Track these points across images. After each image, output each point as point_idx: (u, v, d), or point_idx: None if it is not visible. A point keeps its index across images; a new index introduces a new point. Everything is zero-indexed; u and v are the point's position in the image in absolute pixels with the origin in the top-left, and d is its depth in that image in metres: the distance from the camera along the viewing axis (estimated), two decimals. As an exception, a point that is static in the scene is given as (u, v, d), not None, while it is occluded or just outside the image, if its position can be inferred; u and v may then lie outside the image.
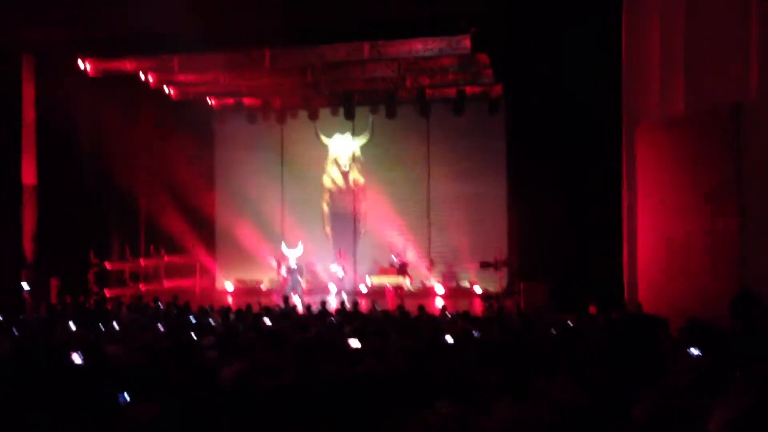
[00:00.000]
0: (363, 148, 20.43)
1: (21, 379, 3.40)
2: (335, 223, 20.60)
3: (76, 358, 4.76)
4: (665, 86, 10.32)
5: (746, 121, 8.45)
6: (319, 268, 20.05)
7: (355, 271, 19.88)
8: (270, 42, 15.08)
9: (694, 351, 3.58)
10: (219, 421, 2.67)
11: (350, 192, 20.47)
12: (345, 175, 20.52)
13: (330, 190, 20.69)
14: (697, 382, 2.86)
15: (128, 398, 4.36)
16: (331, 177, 20.68)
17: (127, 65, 16.36)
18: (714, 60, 9.13)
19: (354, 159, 20.46)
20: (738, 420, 1.53)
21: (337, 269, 18.95)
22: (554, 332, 7.43)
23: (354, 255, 20.04)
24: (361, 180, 20.46)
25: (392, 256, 18.56)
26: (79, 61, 15.76)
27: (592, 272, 12.90)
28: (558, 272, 13.74)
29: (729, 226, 8.82)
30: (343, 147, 20.50)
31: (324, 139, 20.51)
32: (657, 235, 10.65)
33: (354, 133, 20.24)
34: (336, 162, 20.60)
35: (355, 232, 20.38)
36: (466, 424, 2.22)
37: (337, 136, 20.49)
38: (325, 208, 20.67)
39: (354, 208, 20.40)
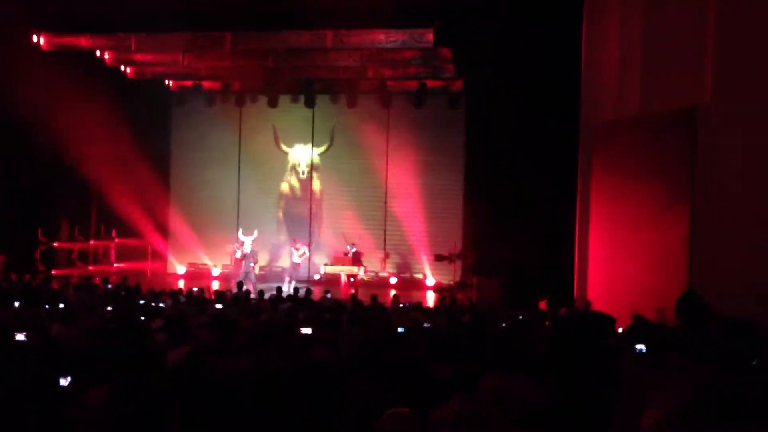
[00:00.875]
0: (321, 155, 20.42)
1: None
2: (289, 211, 20.54)
3: (20, 338, 4.65)
4: (622, 87, 10.48)
5: (700, 123, 8.63)
6: (273, 255, 19.99)
7: (309, 259, 19.82)
8: (232, 25, 14.88)
9: (640, 347, 3.66)
10: (166, 404, 2.63)
11: (307, 200, 20.45)
12: (303, 182, 20.49)
13: (286, 197, 20.62)
14: (642, 378, 2.93)
15: (69, 381, 4.29)
16: (289, 184, 20.62)
17: (83, 41, 15.95)
18: (670, 62, 9.30)
19: (313, 167, 20.41)
20: (669, 419, 1.57)
21: (294, 256, 18.91)
22: (504, 326, 7.52)
23: (309, 243, 19.98)
24: (319, 187, 20.46)
25: (347, 245, 18.53)
26: (33, 35, 15.30)
27: (544, 269, 13.11)
28: (510, 268, 13.93)
29: (679, 227, 9.02)
30: (302, 155, 20.45)
31: (284, 147, 20.42)
32: (608, 234, 10.84)
33: (314, 144, 20.23)
34: (294, 169, 20.54)
35: (311, 220, 20.32)
36: (416, 419, 2.24)
37: (298, 147, 20.41)
38: (281, 215, 20.61)
39: (309, 200, 20.37)
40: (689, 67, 8.93)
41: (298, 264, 19.13)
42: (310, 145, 20.34)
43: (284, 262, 19.98)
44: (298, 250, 19.04)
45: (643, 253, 9.79)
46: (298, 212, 20.53)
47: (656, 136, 9.68)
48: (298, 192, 20.59)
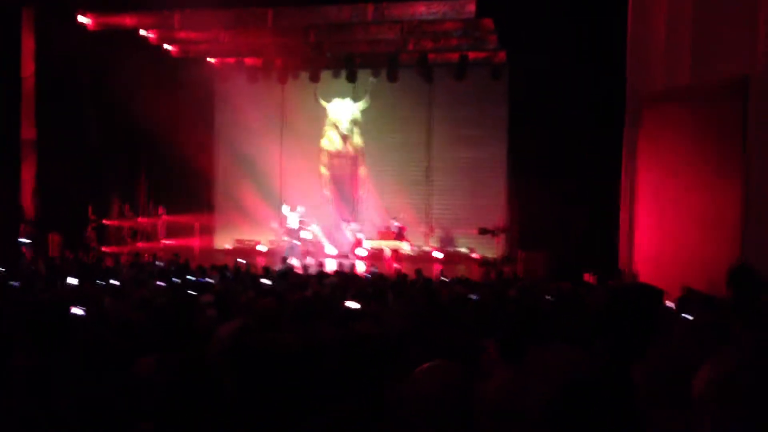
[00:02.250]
0: (363, 112, 20.28)
1: (24, 331, 3.43)
2: (335, 186, 20.55)
3: (78, 311, 4.79)
4: (671, 57, 10.22)
5: (753, 93, 8.38)
6: (322, 230, 20.08)
7: (354, 234, 19.91)
8: (273, 1, 14.90)
9: (689, 317, 3.60)
10: (214, 377, 2.68)
11: (349, 156, 20.37)
12: (345, 138, 20.40)
13: (329, 153, 20.58)
14: (693, 344, 2.89)
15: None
16: (331, 140, 20.55)
17: (128, 20, 16.18)
18: (721, 31, 9.03)
19: (354, 123, 20.32)
20: (725, 378, 1.54)
21: (344, 233, 18.93)
22: (550, 299, 7.47)
23: (353, 218, 20.06)
24: (361, 144, 20.35)
25: (391, 220, 18.55)
26: (79, 15, 15.56)
27: (590, 242, 12.96)
28: (556, 241, 13.80)
29: (731, 199, 8.81)
30: (342, 111, 20.34)
31: (323, 102, 20.36)
32: (656, 205, 10.66)
33: (354, 98, 20.08)
34: (335, 125, 20.45)
35: (355, 196, 20.36)
36: (463, 386, 2.24)
37: (336, 100, 20.33)
38: (324, 171, 20.58)
39: (353, 172, 20.34)
40: (741, 35, 8.65)
41: (344, 240, 19.15)
42: (348, 98, 20.20)
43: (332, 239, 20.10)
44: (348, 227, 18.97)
45: (693, 225, 9.61)
46: (342, 170, 20.41)
47: (707, 105, 9.44)
48: (341, 148, 20.47)
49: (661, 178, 10.54)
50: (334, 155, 20.53)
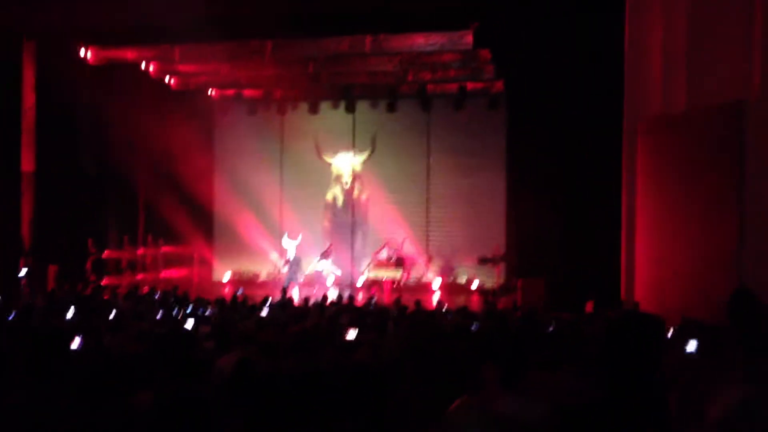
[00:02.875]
0: (363, 164, 20.43)
1: (21, 363, 3.40)
2: (335, 220, 20.58)
3: (76, 343, 4.77)
4: (667, 84, 10.31)
5: (748, 119, 8.43)
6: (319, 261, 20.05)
7: (352, 264, 19.88)
8: (272, 33, 15.04)
9: (691, 345, 3.58)
10: (212, 411, 2.67)
11: (350, 209, 20.46)
12: (347, 192, 20.51)
13: (332, 208, 20.64)
14: (701, 372, 2.88)
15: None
16: (334, 194, 20.63)
17: (128, 54, 16.31)
18: (716, 57, 9.12)
19: (356, 177, 20.42)
20: (735, 410, 1.54)
21: (327, 266, 18.81)
22: (551, 328, 7.44)
23: (351, 248, 20.05)
24: (362, 196, 20.44)
25: (384, 249, 18.56)
26: (80, 48, 15.70)
27: (590, 271, 12.91)
28: (556, 270, 13.77)
29: (729, 226, 8.82)
30: (345, 164, 20.48)
31: (327, 158, 20.48)
32: (655, 233, 10.66)
33: (356, 151, 20.24)
34: (338, 179, 20.54)
35: (353, 225, 20.37)
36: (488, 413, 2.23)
37: (339, 155, 20.47)
38: (327, 224, 20.62)
39: (352, 206, 20.39)
40: (736, 61, 8.74)
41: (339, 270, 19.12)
42: (351, 153, 20.35)
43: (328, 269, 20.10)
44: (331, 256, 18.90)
45: (692, 252, 9.60)
46: (343, 221, 20.51)
47: (704, 132, 9.49)
48: (342, 202, 20.56)
49: (659, 204, 10.56)
50: (337, 210, 20.58)
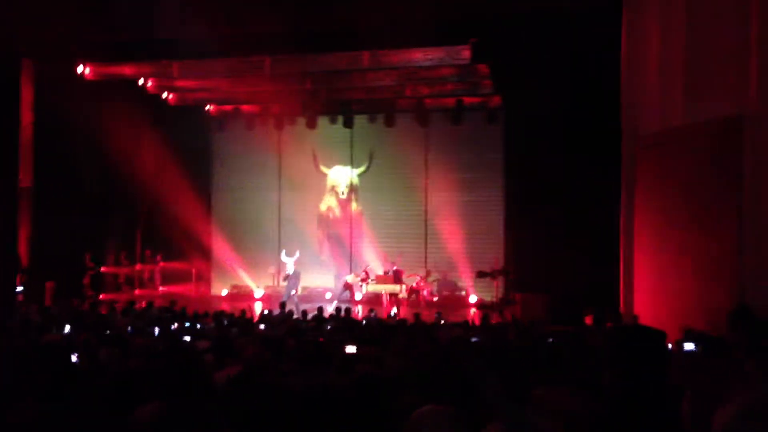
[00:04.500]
0: (360, 176, 20.49)
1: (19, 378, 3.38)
2: (330, 231, 20.62)
3: (73, 359, 4.74)
4: (665, 99, 10.34)
5: (747, 133, 8.45)
6: (315, 276, 20.02)
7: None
8: (270, 49, 15.09)
9: (689, 346, 3.57)
10: (212, 424, 2.65)
11: (347, 220, 20.51)
12: (342, 203, 20.57)
13: (326, 218, 20.69)
14: (706, 383, 2.87)
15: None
16: (329, 205, 20.70)
17: (126, 70, 16.36)
18: (714, 72, 9.15)
19: (352, 187, 20.48)
20: (744, 415, 1.52)
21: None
22: (551, 341, 7.41)
23: (349, 262, 20.05)
24: (358, 209, 20.50)
25: (389, 264, 18.55)
26: (78, 66, 15.73)
27: (589, 284, 12.88)
28: (555, 283, 13.74)
29: (728, 240, 8.81)
30: (341, 175, 20.54)
31: (324, 169, 20.55)
32: (654, 248, 10.65)
33: (353, 165, 20.31)
34: (334, 189, 20.62)
35: (351, 240, 20.37)
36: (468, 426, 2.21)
37: (336, 167, 20.53)
38: (321, 234, 20.68)
39: (350, 222, 20.44)
40: (733, 76, 8.76)
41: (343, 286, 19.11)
42: (349, 166, 20.42)
43: (327, 282, 20.08)
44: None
45: (692, 266, 9.59)
46: (339, 233, 20.59)
47: (702, 146, 9.51)
48: (338, 213, 20.64)
49: (658, 219, 10.56)
50: (332, 221, 20.63)
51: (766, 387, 1.50)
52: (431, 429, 2.20)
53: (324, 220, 20.76)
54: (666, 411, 2.49)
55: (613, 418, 2.46)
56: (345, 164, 20.50)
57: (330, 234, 20.63)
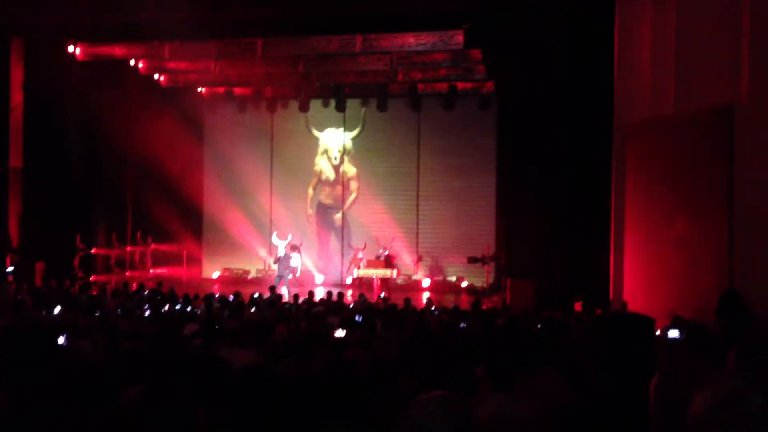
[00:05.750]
0: (354, 140, 20.34)
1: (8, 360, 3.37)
2: (320, 210, 20.56)
3: (61, 340, 4.73)
4: (655, 86, 10.35)
5: (738, 121, 8.48)
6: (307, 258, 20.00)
7: (341, 262, 19.87)
8: (263, 32, 15.00)
9: (673, 333, 3.59)
10: (198, 407, 2.66)
11: (339, 183, 20.42)
12: (335, 167, 20.45)
13: (319, 179, 20.59)
14: (688, 371, 2.89)
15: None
16: (320, 167, 20.59)
17: (117, 51, 16.20)
18: (705, 60, 9.16)
19: (345, 151, 20.36)
20: (724, 404, 1.53)
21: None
22: (539, 327, 7.45)
23: (341, 246, 20.05)
24: (352, 171, 20.38)
25: (380, 248, 18.55)
26: (69, 46, 15.59)
27: (579, 271, 12.96)
28: (545, 270, 13.81)
29: (718, 228, 8.86)
30: (334, 139, 20.41)
31: (315, 132, 20.42)
32: (644, 235, 10.70)
33: (346, 127, 20.17)
34: (326, 153, 20.50)
35: (343, 224, 20.35)
36: (459, 410, 2.21)
37: (329, 130, 20.41)
38: (311, 192, 20.59)
39: (342, 199, 20.37)
40: (724, 65, 8.78)
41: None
42: (341, 129, 20.26)
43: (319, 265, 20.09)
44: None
45: (681, 254, 9.64)
46: (331, 197, 20.45)
47: (692, 134, 9.54)
48: (331, 176, 20.50)
49: (648, 206, 10.60)
50: (325, 183, 20.55)
51: (745, 375, 1.51)
52: (440, 417, 2.20)
53: (316, 180, 20.61)
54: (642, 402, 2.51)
55: (597, 405, 2.47)
56: (337, 127, 20.34)
57: (320, 199, 20.51)
